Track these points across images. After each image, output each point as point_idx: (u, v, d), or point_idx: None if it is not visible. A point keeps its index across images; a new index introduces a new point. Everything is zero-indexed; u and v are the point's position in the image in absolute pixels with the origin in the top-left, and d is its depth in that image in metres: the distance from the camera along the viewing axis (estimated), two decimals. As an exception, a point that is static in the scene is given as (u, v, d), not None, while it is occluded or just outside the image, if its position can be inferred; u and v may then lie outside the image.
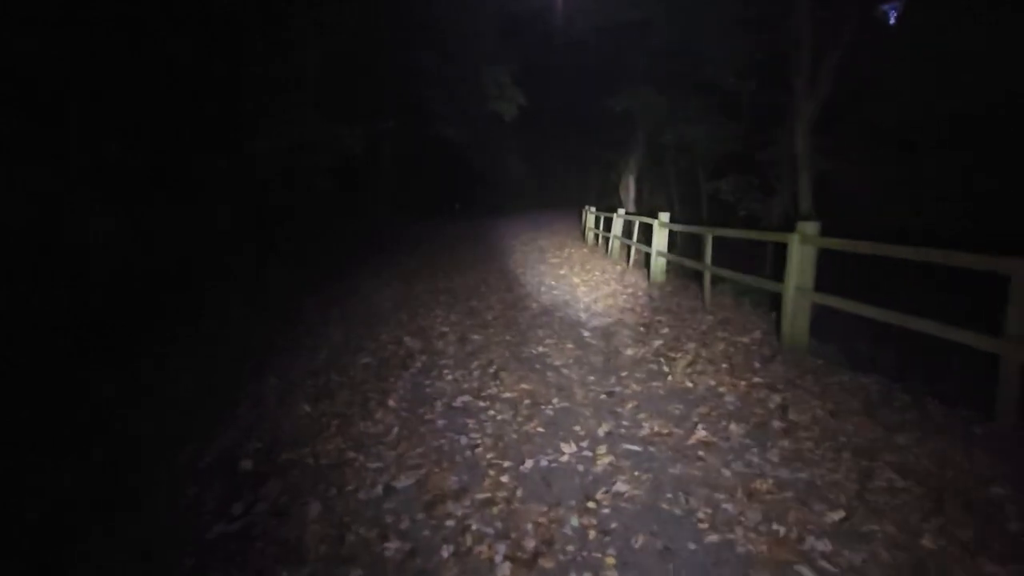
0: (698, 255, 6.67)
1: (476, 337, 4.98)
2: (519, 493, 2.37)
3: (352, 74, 14.35)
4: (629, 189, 18.95)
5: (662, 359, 4.21)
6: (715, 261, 5.92)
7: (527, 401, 3.42)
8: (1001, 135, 6.41)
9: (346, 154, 14.45)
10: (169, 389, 4.21)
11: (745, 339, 4.66)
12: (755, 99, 9.77)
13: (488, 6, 18.80)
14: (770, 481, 2.37)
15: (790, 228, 4.37)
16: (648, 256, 8.00)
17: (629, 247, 9.83)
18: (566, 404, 3.37)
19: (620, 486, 2.37)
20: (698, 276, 7.70)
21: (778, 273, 4.55)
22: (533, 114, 31.29)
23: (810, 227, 4.15)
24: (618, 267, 9.71)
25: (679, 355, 4.26)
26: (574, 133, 29.97)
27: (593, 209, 13.94)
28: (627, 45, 13.79)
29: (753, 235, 5.56)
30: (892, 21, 10.53)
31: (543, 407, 3.33)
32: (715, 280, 7.14)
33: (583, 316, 5.80)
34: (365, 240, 14.54)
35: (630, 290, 7.26)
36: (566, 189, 33.49)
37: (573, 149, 30.65)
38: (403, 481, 2.51)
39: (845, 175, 7.81)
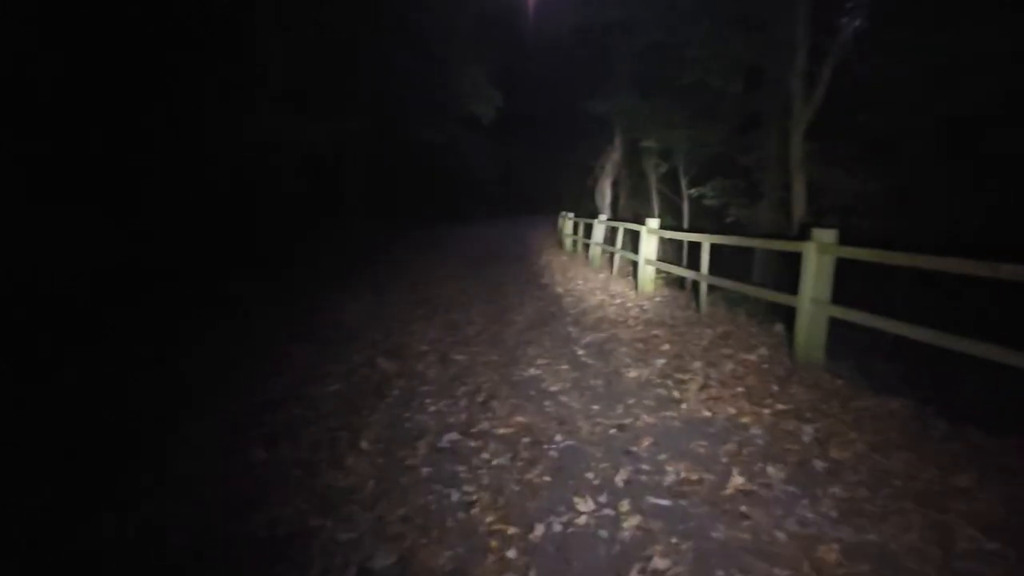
0: (681, 263, 6.39)
1: (459, 357, 4.47)
2: (532, 575, 1.88)
3: (321, 69, 13.62)
4: (605, 194, 18.75)
5: (669, 381, 3.79)
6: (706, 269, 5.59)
7: (526, 439, 2.94)
8: (997, 138, 6.35)
9: (313, 153, 13.70)
10: (73, 442, 3.12)
11: (752, 356, 4.30)
12: (742, 102, 9.61)
13: (465, 6, 18.30)
14: (836, 547, 1.95)
15: (780, 235, 4.06)
16: (635, 265, 7.65)
17: (611, 255, 9.50)
18: (572, 442, 2.90)
19: (657, 561, 1.91)
20: (688, 285, 7.40)
21: (777, 282, 4.23)
22: (506, 119, 31.05)
23: (828, 235, 3.82)
24: (601, 275, 9.35)
25: (687, 377, 3.86)
26: (547, 138, 29.89)
27: (571, 215, 13.62)
28: (608, 47, 13.57)
29: (757, 244, 5.23)
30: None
31: (546, 446, 2.85)
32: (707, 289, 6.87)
33: (573, 331, 5.36)
34: (333, 248, 13.80)
35: (618, 301, 6.88)
36: (539, 194, 33.32)
37: (546, 154, 30.54)
38: (382, 559, 1.99)
39: (836, 181, 7.67)
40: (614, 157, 18.43)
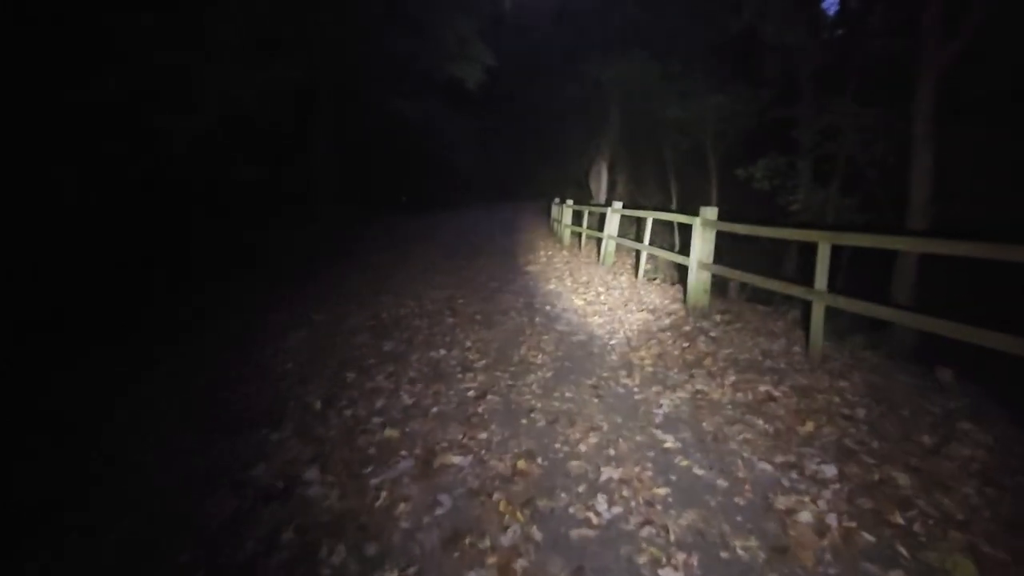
0: (740, 267, 4.55)
1: (456, 460, 2.50)
2: None
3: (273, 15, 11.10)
4: (601, 178, 16.82)
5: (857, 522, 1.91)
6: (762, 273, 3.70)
7: None
8: None
9: (266, 126, 11.35)
10: None
11: (926, 438, 2.48)
12: (794, 58, 7.74)
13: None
14: None
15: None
16: (664, 266, 5.76)
17: (636, 253, 7.60)
18: None
19: None
20: (752, 296, 5.56)
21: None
22: (487, 99, 28.77)
23: None
24: (622, 278, 7.45)
25: (868, 505, 1.99)
26: (532, 120, 27.81)
27: (570, 202, 11.64)
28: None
29: (945, 249, 3.20)
30: None
31: None
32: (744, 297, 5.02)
33: (629, 385, 3.43)
34: (291, 245, 11.56)
35: (667, 320, 4.98)
36: (523, 180, 31.18)
37: (531, 137, 28.47)
38: None
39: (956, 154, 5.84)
40: (610, 135, 16.48)
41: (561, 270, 8.31)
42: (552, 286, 6.92)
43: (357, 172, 19.95)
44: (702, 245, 5.23)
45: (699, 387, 3.31)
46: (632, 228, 14.14)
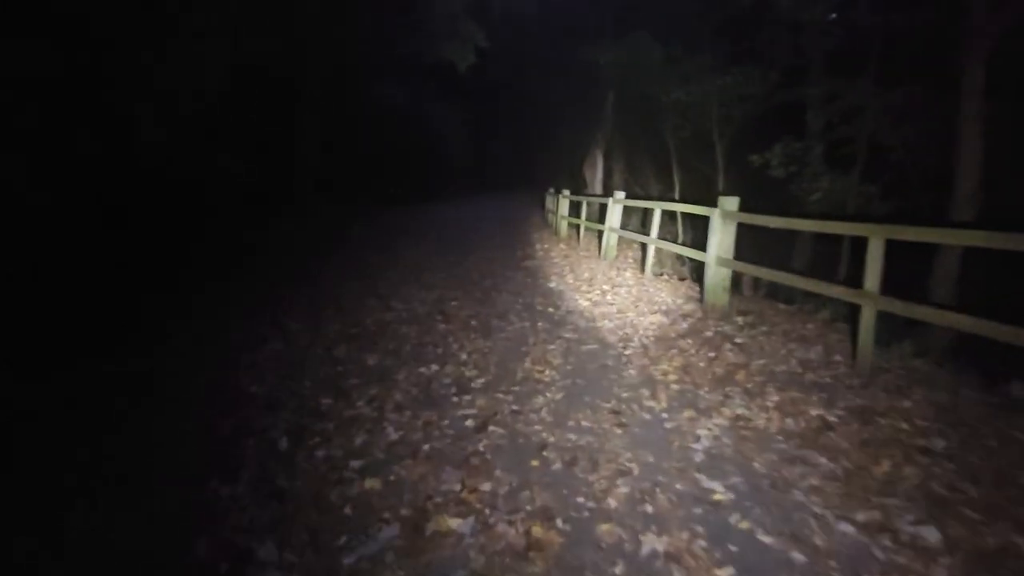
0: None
1: (455, 524, 1.97)
2: None
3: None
4: (596, 168, 16.25)
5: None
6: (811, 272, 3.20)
7: None
8: None
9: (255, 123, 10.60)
10: None
11: None
12: (808, 35, 7.17)
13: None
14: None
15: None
16: (673, 258, 5.26)
17: (641, 247, 7.09)
18: None
19: None
20: (769, 293, 5.09)
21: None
22: (476, 89, 28.05)
23: None
24: (627, 273, 6.94)
25: None
26: (524, 108, 27.21)
27: (567, 193, 11.09)
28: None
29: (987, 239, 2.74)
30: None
31: None
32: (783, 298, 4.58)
33: (655, 410, 2.92)
34: (270, 242, 10.91)
35: (685, 324, 4.47)
36: (515, 171, 30.49)
37: (522, 127, 27.86)
38: None
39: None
40: (605, 123, 15.90)
41: (560, 265, 7.78)
42: (553, 284, 6.39)
43: (344, 164, 19.22)
44: (721, 239, 4.73)
45: (738, 411, 2.81)
46: (631, 219, 13.62)
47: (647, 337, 4.21)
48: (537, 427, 2.71)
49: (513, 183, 28.96)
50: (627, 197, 8.50)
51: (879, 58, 6.66)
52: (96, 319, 4.85)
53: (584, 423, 2.74)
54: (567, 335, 4.29)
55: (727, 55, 8.36)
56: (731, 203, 4.73)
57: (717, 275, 4.78)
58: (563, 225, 11.11)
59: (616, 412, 2.86)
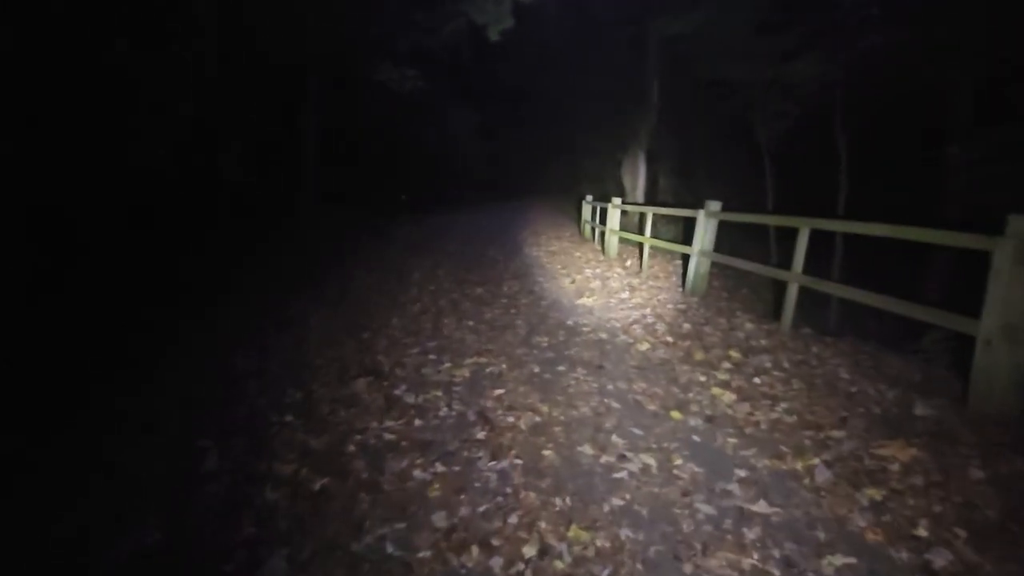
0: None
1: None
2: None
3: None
4: (638, 172, 14.04)
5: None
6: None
7: None
8: None
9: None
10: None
11: None
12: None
13: None
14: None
15: None
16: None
17: (776, 286, 4.89)
18: None
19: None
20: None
21: None
22: (492, 91, 26.29)
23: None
24: (743, 321, 4.73)
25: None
26: (543, 111, 25.34)
27: (617, 201, 8.86)
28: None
29: None
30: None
31: None
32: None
33: None
34: (256, 261, 8.87)
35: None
36: (533, 176, 28.36)
37: (542, 131, 25.95)
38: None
39: None
40: (649, 120, 13.73)
41: (630, 302, 5.60)
42: (645, 347, 4.19)
43: (351, 168, 17.31)
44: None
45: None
46: (665, 230, 11.43)
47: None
48: None
49: (532, 189, 26.75)
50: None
51: None
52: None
53: None
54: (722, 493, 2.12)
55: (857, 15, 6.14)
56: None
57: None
58: (613, 242, 8.88)
59: None
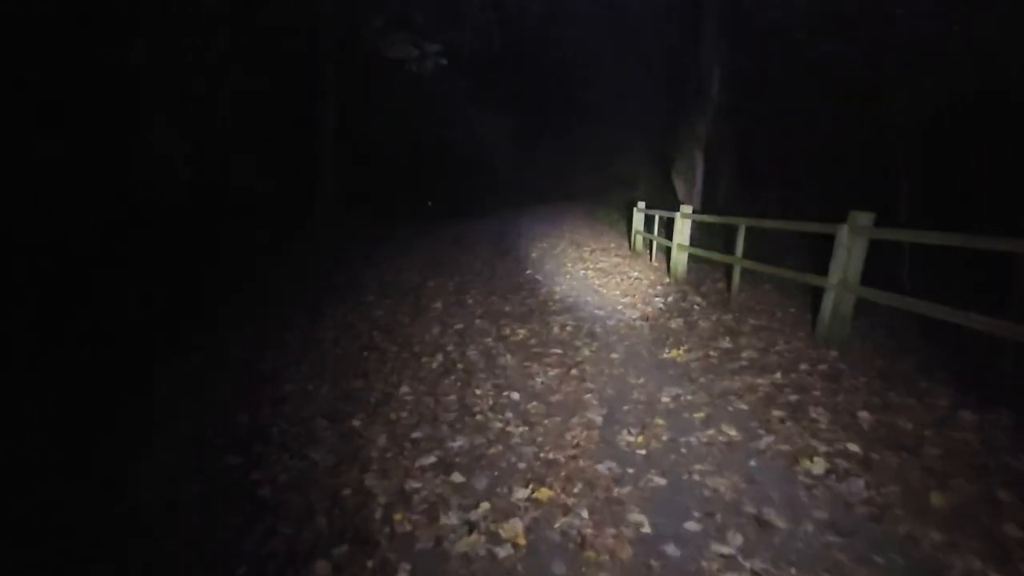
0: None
1: None
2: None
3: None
4: (695, 174, 12.23)
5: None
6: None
7: None
8: None
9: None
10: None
11: None
12: None
13: None
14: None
15: None
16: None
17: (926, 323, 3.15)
18: None
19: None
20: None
21: None
22: (521, 93, 25.03)
23: None
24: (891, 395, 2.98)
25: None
26: (574, 114, 23.92)
27: (688, 210, 7.04)
28: None
29: None
30: None
31: None
32: None
33: None
34: (267, 275, 7.47)
35: None
36: (565, 181, 26.65)
37: (573, 135, 24.48)
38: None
39: None
40: (708, 113, 11.94)
41: (741, 357, 3.87)
42: (816, 467, 2.49)
43: (374, 169, 16.02)
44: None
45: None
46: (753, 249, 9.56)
47: None
48: None
49: (563, 193, 24.96)
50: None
51: None
52: None
53: None
54: None
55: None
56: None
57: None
58: (681, 259, 7.07)
59: None
